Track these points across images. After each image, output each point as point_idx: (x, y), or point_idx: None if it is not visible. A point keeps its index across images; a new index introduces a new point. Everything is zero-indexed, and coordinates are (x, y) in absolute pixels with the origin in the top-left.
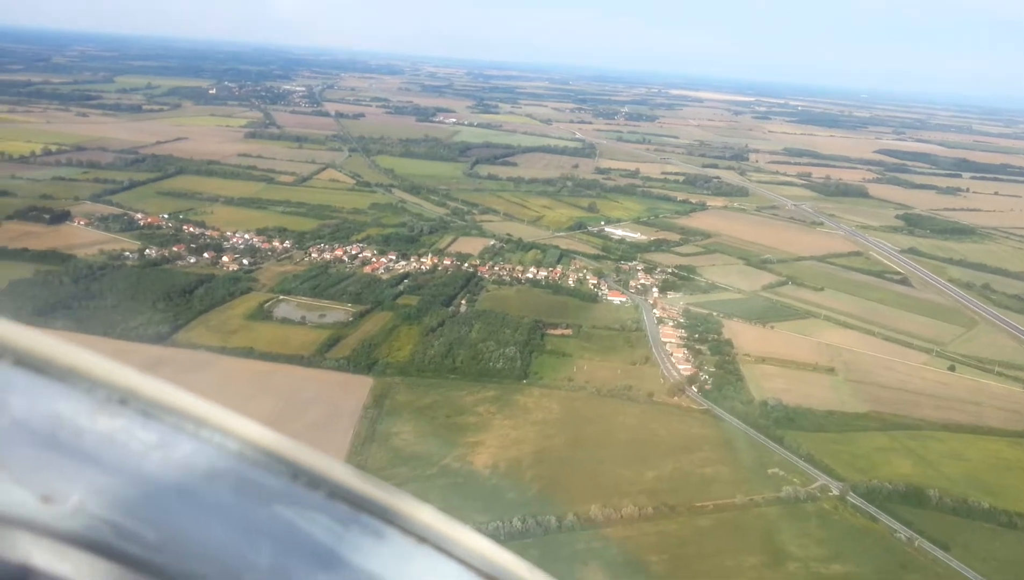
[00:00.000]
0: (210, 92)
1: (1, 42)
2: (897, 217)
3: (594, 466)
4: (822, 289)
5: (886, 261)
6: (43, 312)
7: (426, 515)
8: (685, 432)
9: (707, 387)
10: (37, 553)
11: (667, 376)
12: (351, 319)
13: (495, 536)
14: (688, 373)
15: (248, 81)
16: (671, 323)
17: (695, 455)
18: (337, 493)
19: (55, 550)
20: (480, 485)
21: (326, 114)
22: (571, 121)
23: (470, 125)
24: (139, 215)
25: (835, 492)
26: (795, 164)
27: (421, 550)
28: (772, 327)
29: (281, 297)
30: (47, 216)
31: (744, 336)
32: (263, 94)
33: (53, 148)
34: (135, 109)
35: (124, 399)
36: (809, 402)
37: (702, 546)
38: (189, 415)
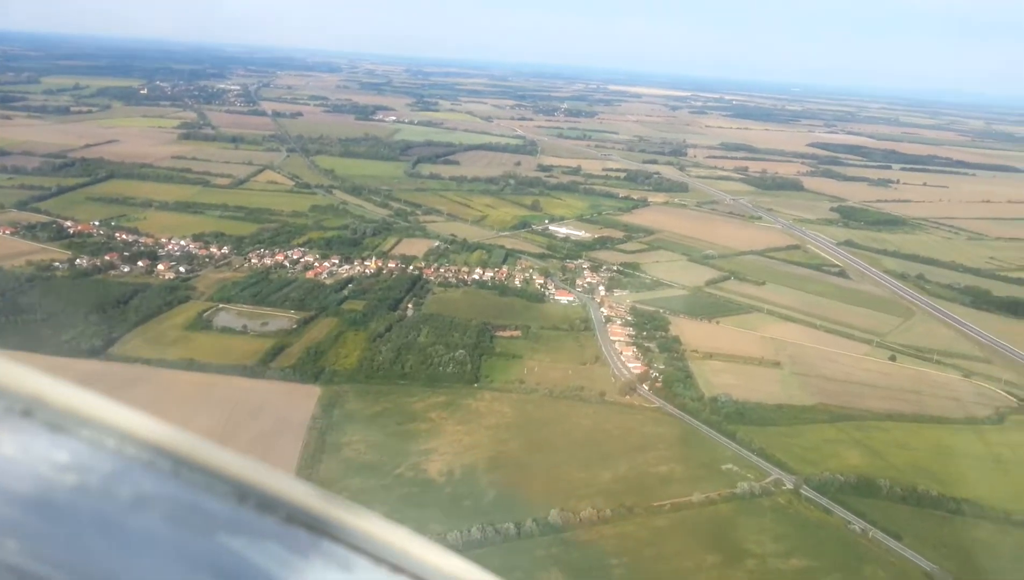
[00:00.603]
0: (141, 92)
1: None
2: (832, 209)
3: (550, 469)
4: (763, 283)
5: (823, 254)
6: None
7: (401, 539)
8: (638, 431)
9: (658, 385)
10: None
11: (618, 375)
12: (295, 326)
13: (453, 547)
14: (638, 371)
15: (181, 80)
16: (619, 321)
17: (649, 454)
18: (295, 516)
19: None
20: (436, 494)
21: (263, 113)
22: (512, 118)
23: (410, 123)
24: (69, 223)
25: (789, 486)
26: (732, 158)
27: None
28: (718, 322)
29: (221, 305)
30: None
31: (691, 332)
32: (196, 94)
33: None
34: (62, 111)
35: (28, 409)
36: (758, 396)
37: (661, 547)
38: (110, 427)
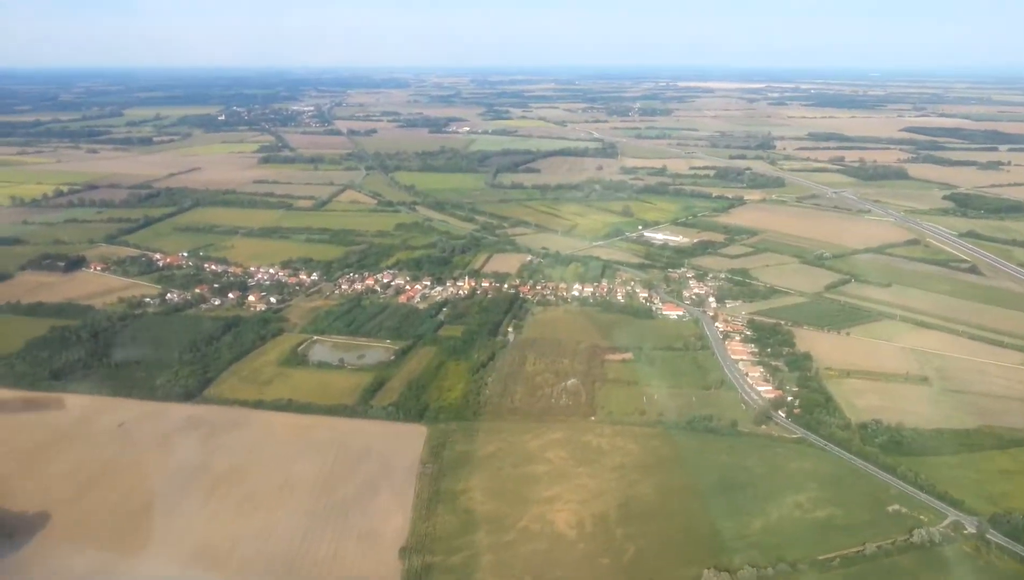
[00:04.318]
0: (219, 118)
1: (8, 84)
2: (944, 198)
3: (691, 518)
4: (889, 285)
5: (947, 248)
6: (61, 375)
7: None
8: (783, 467)
9: (796, 411)
10: None
11: (748, 401)
12: (392, 358)
13: None
14: (771, 396)
15: (256, 104)
16: (738, 337)
17: (802, 495)
18: None
19: None
20: (568, 550)
21: (338, 132)
22: (585, 121)
23: (484, 133)
24: (157, 255)
25: (971, 530)
26: (824, 149)
27: None
28: (847, 333)
29: (315, 337)
30: (61, 263)
31: (820, 346)
32: (272, 116)
33: (64, 188)
34: (145, 141)
35: None
36: (912, 420)
37: None
38: None
